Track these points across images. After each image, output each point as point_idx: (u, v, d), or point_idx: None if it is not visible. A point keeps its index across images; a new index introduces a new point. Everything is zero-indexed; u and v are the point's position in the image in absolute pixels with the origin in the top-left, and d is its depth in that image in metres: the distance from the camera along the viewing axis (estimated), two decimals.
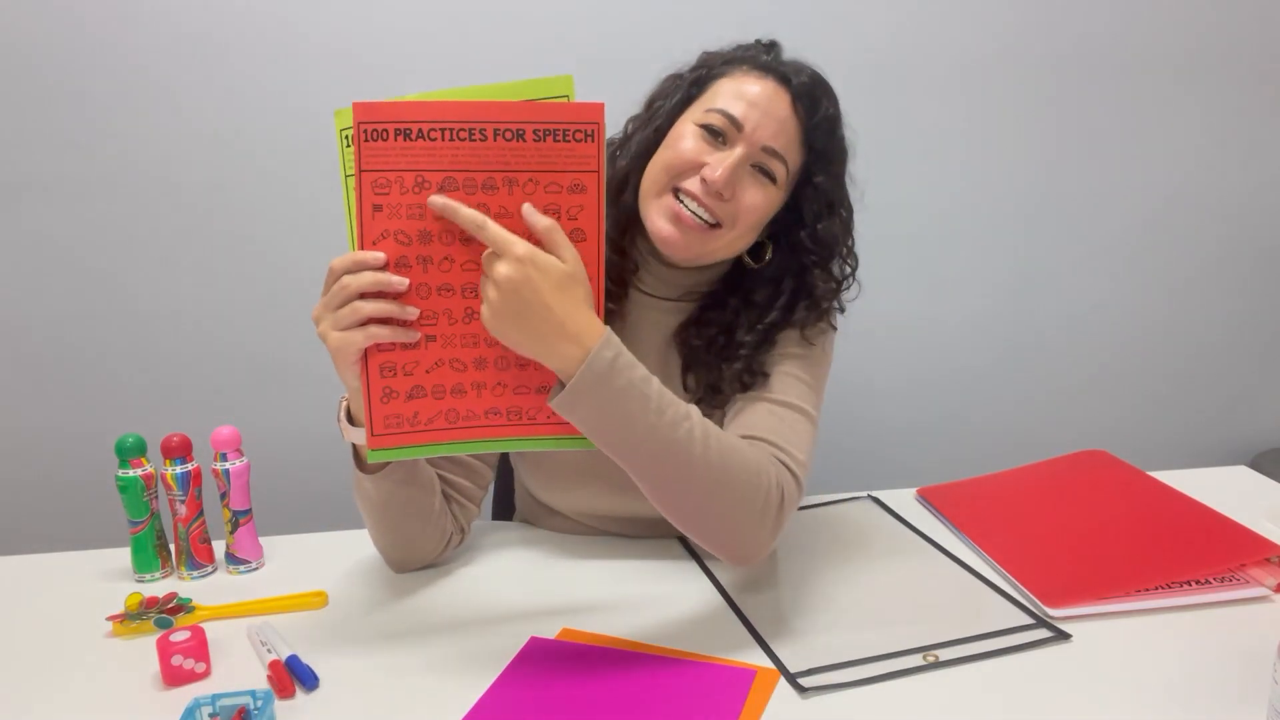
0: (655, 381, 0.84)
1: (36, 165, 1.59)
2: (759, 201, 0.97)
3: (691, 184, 0.96)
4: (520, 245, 0.77)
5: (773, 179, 0.97)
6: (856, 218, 1.07)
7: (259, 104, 1.62)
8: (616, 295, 1.05)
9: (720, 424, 1.01)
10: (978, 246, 1.91)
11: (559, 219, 0.80)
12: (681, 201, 0.96)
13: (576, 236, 0.81)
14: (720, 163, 0.94)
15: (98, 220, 1.63)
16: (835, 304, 1.07)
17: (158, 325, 1.69)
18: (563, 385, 0.81)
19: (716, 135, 0.96)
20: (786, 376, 1.01)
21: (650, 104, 1.05)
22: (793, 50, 1.04)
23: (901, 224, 1.84)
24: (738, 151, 0.95)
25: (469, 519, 1.08)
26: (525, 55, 1.64)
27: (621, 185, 1.02)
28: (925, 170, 1.84)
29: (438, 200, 0.78)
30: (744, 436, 0.94)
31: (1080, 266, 1.95)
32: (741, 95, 0.96)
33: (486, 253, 0.79)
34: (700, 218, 0.96)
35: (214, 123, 1.62)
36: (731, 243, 0.99)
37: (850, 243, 1.06)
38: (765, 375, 1.02)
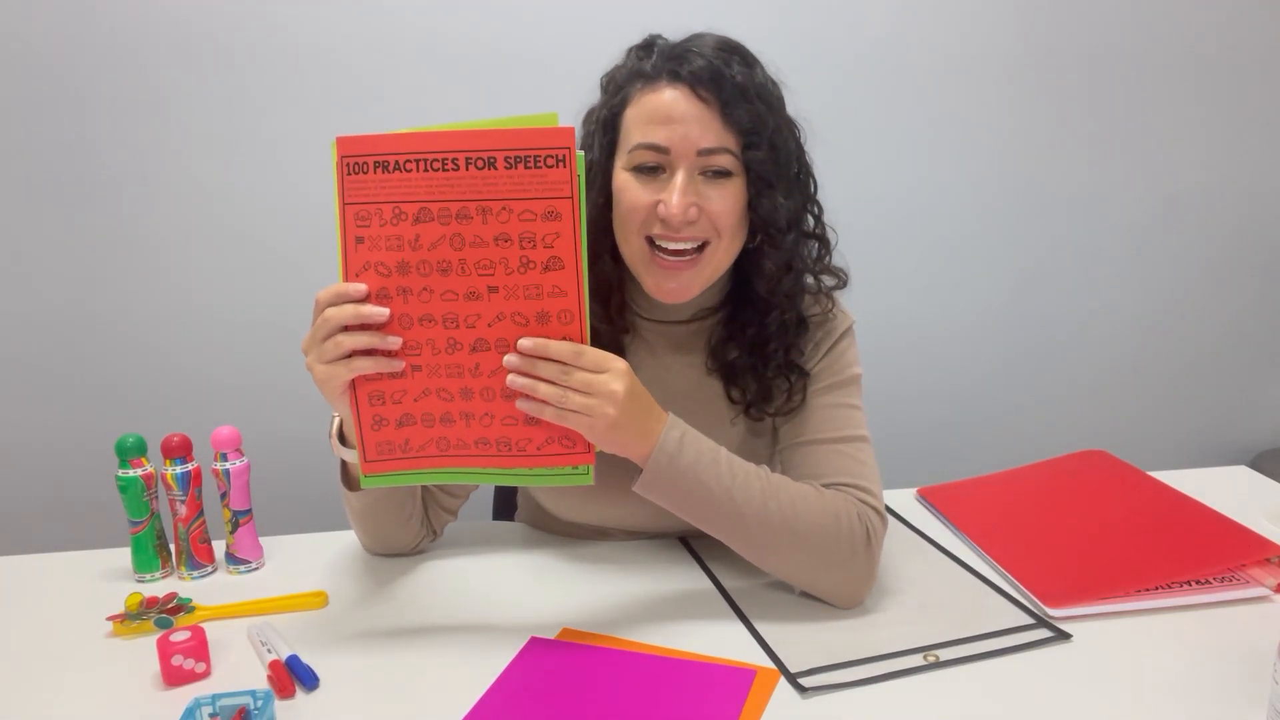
0: (723, 450, 0.92)
1: (36, 166, 1.59)
2: (726, 201, 0.94)
3: (658, 228, 0.95)
4: (617, 359, 0.85)
5: (726, 172, 0.94)
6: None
7: (260, 107, 1.62)
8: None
9: (776, 426, 1.06)
10: (978, 247, 1.90)
11: (535, 247, 0.80)
12: (660, 248, 0.95)
13: (554, 265, 0.81)
14: (669, 195, 0.92)
15: (98, 221, 1.63)
16: (824, 273, 1.04)
17: (158, 326, 1.69)
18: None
19: (653, 169, 0.94)
20: (830, 409, 1.03)
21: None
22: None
23: (902, 224, 1.84)
24: (679, 174, 0.92)
25: (442, 524, 1.12)
26: (534, 67, 1.64)
27: (593, 257, 0.98)
28: (925, 170, 1.83)
29: (526, 343, 0.82)
30: (820, 485, 0.97)
31: (1080, 267, 1.95)
32: (650, 118, 0.93)
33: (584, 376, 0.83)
34: (685, 252, 0.95)
35: (215, 124, 1.61)
36: (726, 249, 0.98)
37: (812, 210, 1.02)
38: (804, 371, 1.03)
